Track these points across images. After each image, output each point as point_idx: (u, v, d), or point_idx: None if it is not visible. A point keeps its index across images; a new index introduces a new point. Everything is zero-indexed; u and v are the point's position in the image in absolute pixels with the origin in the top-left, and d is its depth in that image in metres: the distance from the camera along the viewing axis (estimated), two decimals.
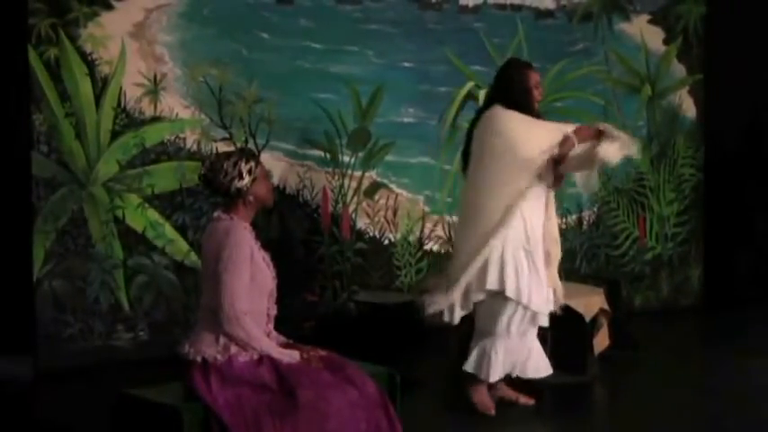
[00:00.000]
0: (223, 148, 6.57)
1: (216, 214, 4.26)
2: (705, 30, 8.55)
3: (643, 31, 8.36)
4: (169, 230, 6.62)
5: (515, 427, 5.56)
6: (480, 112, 5.67)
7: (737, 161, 8.67)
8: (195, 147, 6.70)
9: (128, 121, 6.48)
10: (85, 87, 6.32)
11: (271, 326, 4.29)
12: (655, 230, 8.48)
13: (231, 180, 4.16)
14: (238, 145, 6.75)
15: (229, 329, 4.06)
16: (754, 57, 8.24)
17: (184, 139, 6.67)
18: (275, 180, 6.85)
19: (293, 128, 7.02)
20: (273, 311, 4.30)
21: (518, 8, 7.87)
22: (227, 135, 6.79)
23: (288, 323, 4.65)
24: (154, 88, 6.56)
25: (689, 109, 8.57)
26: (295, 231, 7.04)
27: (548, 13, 8.01)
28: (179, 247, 6.65)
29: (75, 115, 6.30)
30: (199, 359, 4.10)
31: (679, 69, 8.54)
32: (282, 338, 4.34)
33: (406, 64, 7.44)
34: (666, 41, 8.48)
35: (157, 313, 6.61)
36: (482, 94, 7.47)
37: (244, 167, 4.17)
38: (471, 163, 5.59)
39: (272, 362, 4.09)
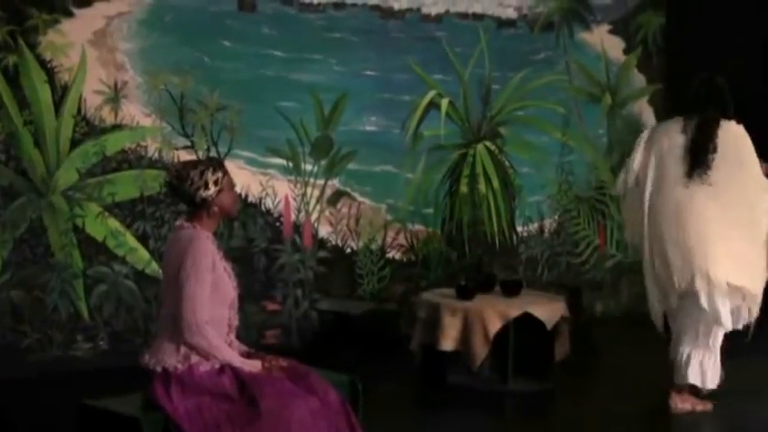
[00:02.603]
0: (185, 156, 6.55)
1: (179, 223, 4.23)
2: (664, 39, 8.64)
3: (603, 41, 8.43)
4: (130, 239, 6.58)
5: None
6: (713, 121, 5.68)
7: None
8: (156, 155, 6.66)
9: (88, 129, 6.44)
10: (45, 95, 6.28)
11: (232, 335, 4.28)
12: (615, 238, 8.53)
13: (197, 189, 4.14)
14: (200, 153, 6.73)
15: (191, 339, 4.04)
16: (713, 66, 8.30)
17: (145, 147, 6.64)
18: (237, 188, 6.82)
19: (255, 136, 7.00)
20: (235, 321, 4.28)
21: (480, 17, 7.91)
22: (189, 143, 6.77)
23: (250, 332, 4.64)
24: (114, 96, 6.52)
25: (649, 118, 8.65)
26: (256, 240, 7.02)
27: (509, 23, 8.05)
28: (140, 255, 6.60)
29: (34, 123, 6.25)
30: (159, 369, 4.07)
31: (639, 79, 8.62)
32: (244, 348, 4.32)
33: (369, 72, 7.46)
34: (626, 51, 8.56)
35: (118, 323, 6.56)
36: (444, 103, 7.50)
37: (210, 177, 4.15)
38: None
39: (233, 371, 4.07)
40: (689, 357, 5.69)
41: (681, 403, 5.77)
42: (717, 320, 5.63)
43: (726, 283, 5.55)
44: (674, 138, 5.72)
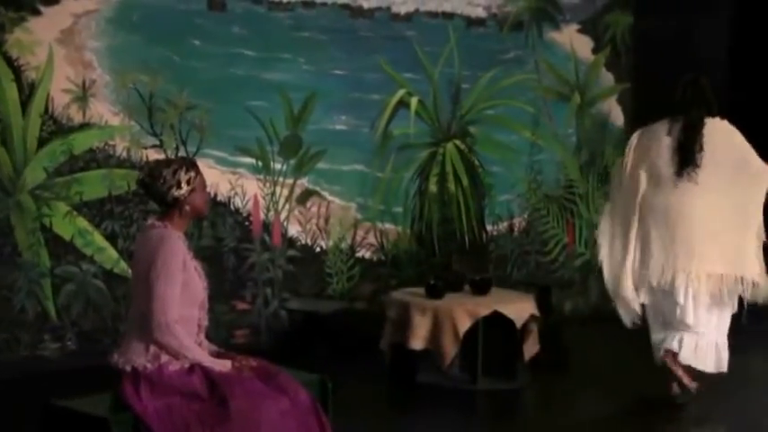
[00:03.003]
0: (153, 155, 6.53)
1: (150, 222, 4.21)
2: (632, 39, 8.69)
3: (572, 41, 8.46)
4: (98, 238, 6.54)
5: (445, 431, 5.60)
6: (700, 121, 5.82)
7: None
8: (125, 154, 6.63)
9: (55, 127, 6.39)
10: (12, 93, 6.23)
11: (202, 335, 4.26)
12: (584, 237, 8.58)
13: (169, 188, 4.12)
14: (169, 152, 6.70)
15: (160, 338, 4.02)
16: (681, 65, 8.37)
17: (114, 146, 6.61)
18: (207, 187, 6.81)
19: (225, 135, 6.98)
20: (205, 321, 4.26)
21: (450, 16, 7.93)
22: (158, 142, 6.73)
23: (219, 332, 4.63)
24: (82, 95, 6.48)
25: (617, 117, 8.70)
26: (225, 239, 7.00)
27: (479, 22, 8.07)
28: (108, 255, 6.57)
29: (1, 122, 6.20)
30: (128, 369, 4.05)
31: (608, 78, 8.66)
32: (214, 347, 4.31)
33: (339, 71, 7.45)
34: (595, 50, 8.60)
35: (86, 322, 6.52)
36: (414, 102, 7.52)
37: (183, 177, 4.13)
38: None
39: (203, 371, 4.06)
40: (681, 341, 5.84)
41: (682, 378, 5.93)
42: (683, 320, 5.77)
43: (706, 275, 5.72)
44: (662, 140, 5.86)
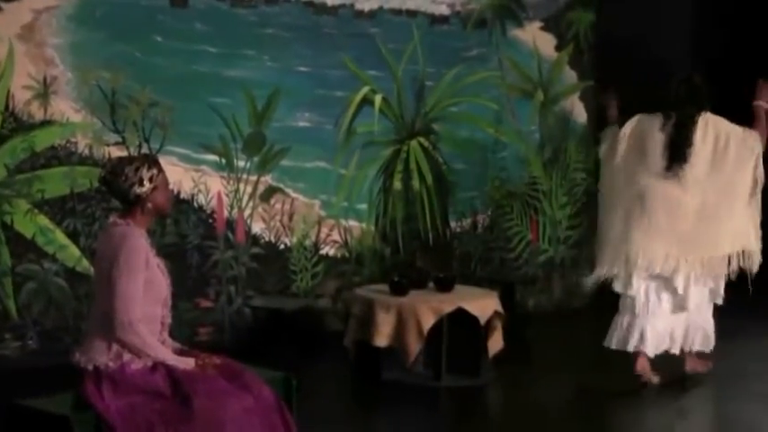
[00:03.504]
0: (116, 152, 6.49)
1: (112, 219, 4.19)
2: (595, 36, 8.74)
3: (536, 38, 8.50)
4: (60, 236, 6.49)
5: (411, 429, 5.60)
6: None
7: None
8: (87, 151, 6.59)
9: (16, 124, 6.34)
10: None
11: (165, 333, 4.24)
12: (547, 234, 8.62)
13: (131, 185, 4.10)
14: (132, 149, 6.67)
15: (123, 336, 4.00)
16: (643, 63, 8.44)
17: (76, 143, 6.56)
18: (170, 185, 6.77)
19: (188, 132, 6.95)
20: (168, 319, 4.25)
21: (413, 14, 7.93)
22: (120, 139, 6.69)
23: (182, 330, 4.61)
24: (44, 91, 6.43)
25: (580, 114, 8.75)
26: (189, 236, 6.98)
27: (442, 19, 8.08)
28: (70, 253, 6.52)
29: None
30: (90, 367, 4.03)
31: (570, 75, 8.71)
32: (177, 345, 4.29)
33: (302, 68, 7.44)
34: (558, 48, 8.64)
35: (47, 321, 6.47)
36: (378, 99, 7.52)
37: (145, 174, 4.11)
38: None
39: (166, 369, 4.04)
40: (695, 327, 6.22)
41: (694, 366, 6.37)
42: (683, 305, 6.15)
43: (703, 260, 6.10)
44: (655, 135, 6.17)
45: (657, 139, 6.14)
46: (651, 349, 6.14)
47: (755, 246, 6.16)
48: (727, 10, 8.78)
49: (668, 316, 6.18)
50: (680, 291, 6.11)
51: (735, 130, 6.13)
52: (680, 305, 6.17)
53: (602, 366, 6.62)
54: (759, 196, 6.20)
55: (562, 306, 8.63)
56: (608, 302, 8.55)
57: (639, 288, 6.16)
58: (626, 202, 6.21)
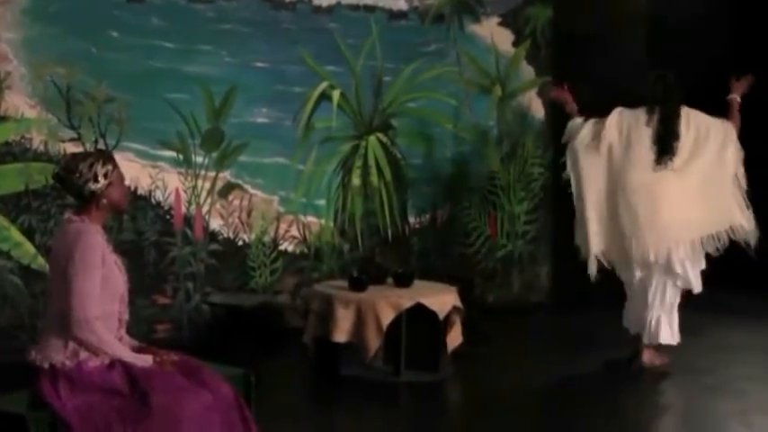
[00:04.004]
0: (71, 148, 6.43)
1: (67, 216, 4.15)
2: (552, 32, 8.77)
3: (493, 33, 8.52)
4: (15, 234, 6.43)
5: (371, 424, 5.60)
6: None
7: None
8: (42, 147, 6.53)
9: None
10: None
11: (123, 330, 4.21)
12: (506, 229, 8.65)
13: (86, 182, 4.07)
14: (87, 145, 6.61)
15: (79, 334, 3.97)
16: (600, 58, 8.49)
17: (30, 139, 6.50)
18: (126, 181, 6.73)
19: (145, 128, 6.91)
20: (125, 316, 4.22)
21: (371, 9, 7.93)
22: (76, 135, 6.64)
23: (140, 326, 4.58)
24: None
25: (538, 110, 8.78)
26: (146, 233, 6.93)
27: (400, 15, 8.09)
28: (25, 250, 6.46)
29: None
30: (47, 365, 3.99)
31: (528, 71, 8.74)
32: (135, 342, 4.26)
33: (260, 64, 7.41)
34: (516, 43, 8.67)
35: (2, 319, 6.41)
36: (336, 95, 7.51)
37: (100, 170, 4.08)
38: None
39: (123, 366, 4.02)
40: (658, 320, 6.43)
41: (652, 359, 6.50)
42: (687, 283, 6.44)
43: (690, 244, 6.39)
44: (641, 129, 6.45)
45: (644, 133, 6.42)
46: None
47: (743, 220, 6.44)
48: (683, 5, 8.84)
49: (655, 305, 6.43)
50: (679, 271, 6.37)
51: (713, 121, 6.47)
52: (685, 285, 6.45)
53: (561, 361, 6.66)
54: (740, 176, 6.48)
55: (520, 301, 8.67)
56: (566, 297, 8.64)
57: (638, 276, 6.43)
58: (613, 194, 6.44)
